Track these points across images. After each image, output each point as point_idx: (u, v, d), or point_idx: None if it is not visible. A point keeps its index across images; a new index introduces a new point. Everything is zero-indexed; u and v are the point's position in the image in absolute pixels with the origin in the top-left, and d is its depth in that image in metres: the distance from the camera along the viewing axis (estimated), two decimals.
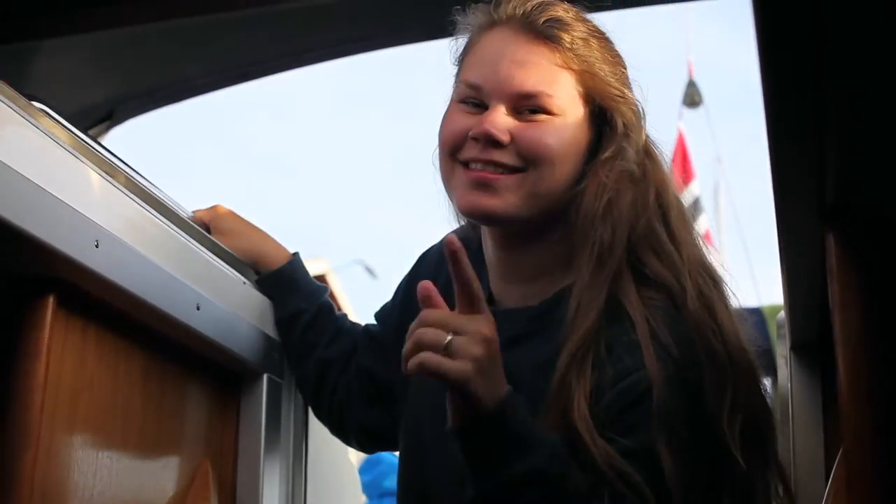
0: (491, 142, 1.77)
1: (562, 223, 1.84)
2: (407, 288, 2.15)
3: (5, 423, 1.63)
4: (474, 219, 1.88)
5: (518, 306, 1.89)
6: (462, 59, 1.91)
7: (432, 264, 2.11)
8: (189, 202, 2.36)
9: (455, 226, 2.01)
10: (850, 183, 1.45)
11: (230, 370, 2.22)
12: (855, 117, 1.32)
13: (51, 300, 1.68)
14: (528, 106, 1.79)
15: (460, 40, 1.92)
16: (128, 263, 1.80)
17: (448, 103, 1.91)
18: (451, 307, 1.72)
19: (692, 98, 10.26)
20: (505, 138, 1.77)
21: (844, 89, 1.27)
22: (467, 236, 2.01)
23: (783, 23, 1.18)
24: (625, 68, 1.91)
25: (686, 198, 7.80)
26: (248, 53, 3.39)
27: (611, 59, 1.87)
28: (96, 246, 1.72)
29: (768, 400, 1.83)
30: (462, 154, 1.81)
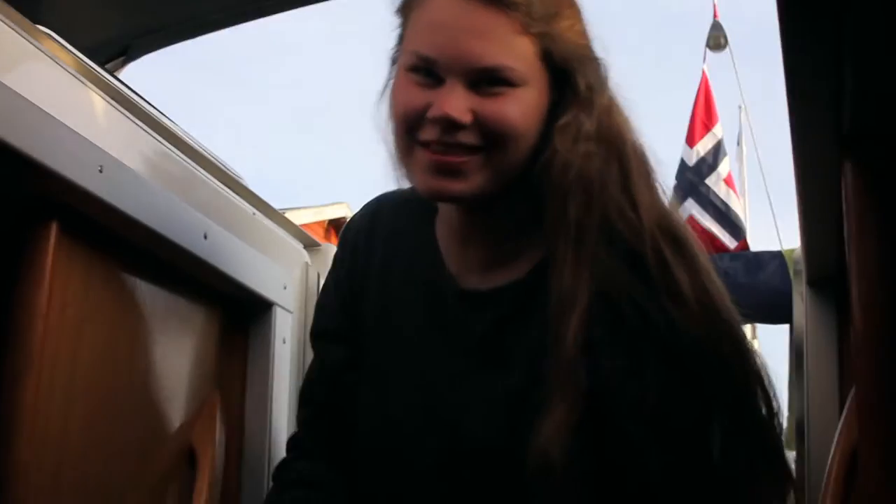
0: (452, 125, 1.64)
1: (523, 183, 1.72)
2: (350, 263, 1.96)
3: (7, 351, 1.61)
4: (438, 200, 1.80)
5: (497, 285, 1.79)
6: (407, 16, 1.75)
7: (364, 232, 1.97)
8: (212, 145, 2.34)
9: (391, 186, 1.88)
10: (866, 112, 1.42)
11: (238, 301, 2.21)
12: (872, 45, 1.29)
13: (54, 226, 1.67)
14: (487, 79, 1.64)
15: None
16: (132, 189, 1.78)
17: (394, 68, 1.77)
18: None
19: (717, 40, 10.11)
20: (467, 119, 1.64)
21: (861, 17, 1.24)
22: (405, 197, 1.93)
23: None
24: (583, 20, 1.75)
25: (709, 141, 7.73)
26: None
27: (569, 13, 1.72)
28: (100, 171, 1.69)
29: (754, 364, 1.73)
30: (421, 135, 1.68)
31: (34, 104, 1.58)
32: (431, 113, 1.65)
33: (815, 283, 2.24)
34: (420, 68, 1.67)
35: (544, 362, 1.65)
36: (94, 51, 2.98)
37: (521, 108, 1.66)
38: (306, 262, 2.51)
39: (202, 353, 2.13)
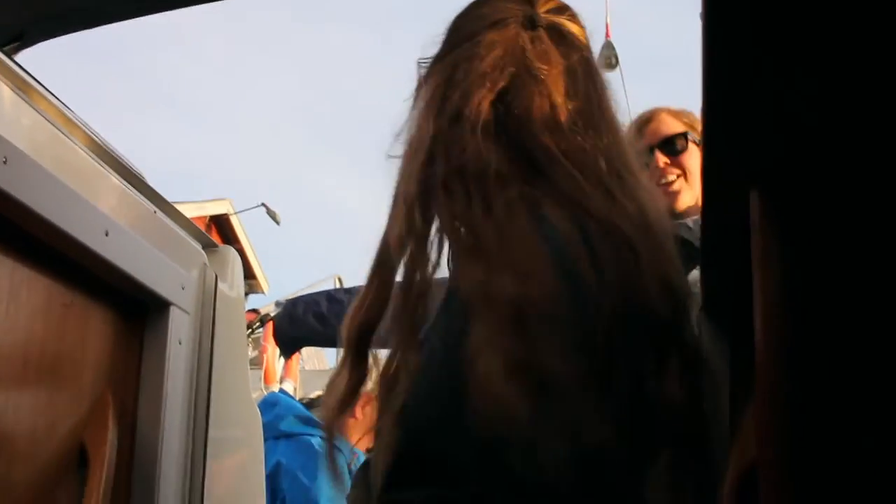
0: None
1: None
2: None
3: None
4: None
5: None
6: None
7: None
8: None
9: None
10: (777, 145, 1.45)
11: (135, 300, 2.17)
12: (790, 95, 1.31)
13: None
14: None
15: None
16: (36, 183, 1.74)
17: None
18: None
19: (608, 60, 10.24)
20: None
21: (782, 63, 1.26)
22: None
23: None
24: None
25: None
26: None
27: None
28: (4, 162, 1.65)
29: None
30: None
31: None
32: None
33: (710, 311, 2.27)
34: None
35: None
36: None
37: None
38: (205, 264, 2.47)
39: (97, 351, 2.08)
